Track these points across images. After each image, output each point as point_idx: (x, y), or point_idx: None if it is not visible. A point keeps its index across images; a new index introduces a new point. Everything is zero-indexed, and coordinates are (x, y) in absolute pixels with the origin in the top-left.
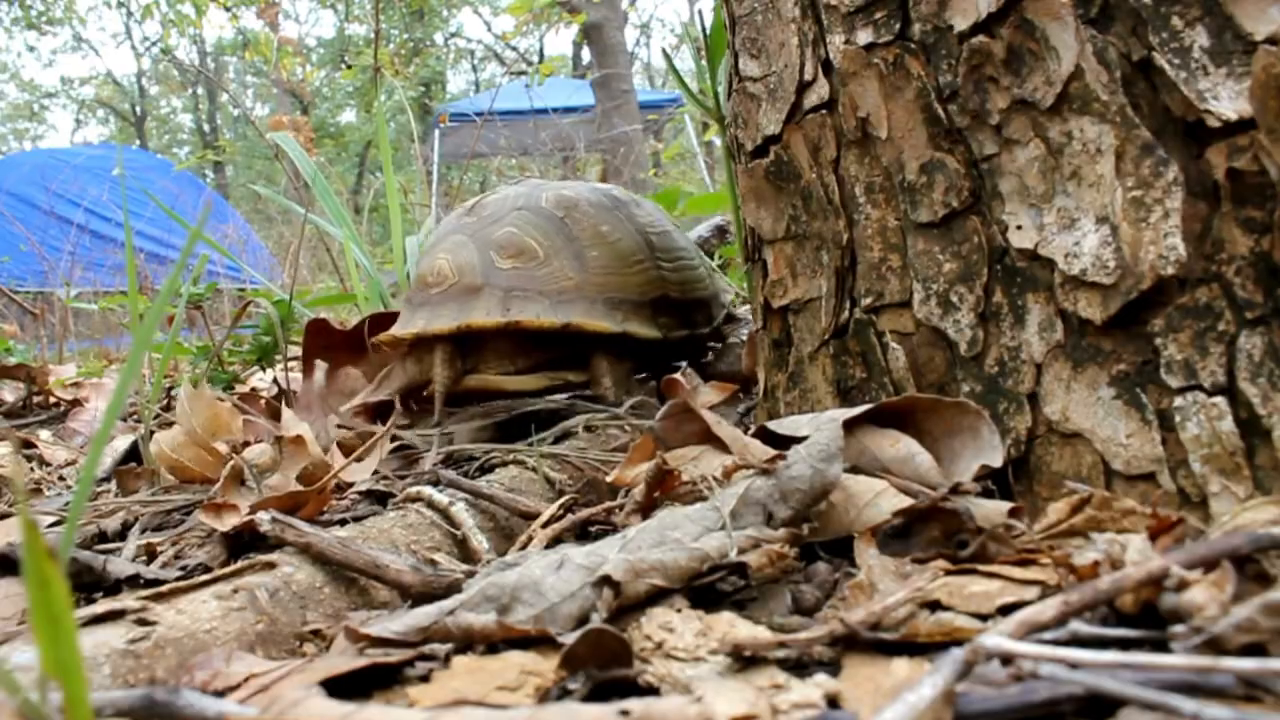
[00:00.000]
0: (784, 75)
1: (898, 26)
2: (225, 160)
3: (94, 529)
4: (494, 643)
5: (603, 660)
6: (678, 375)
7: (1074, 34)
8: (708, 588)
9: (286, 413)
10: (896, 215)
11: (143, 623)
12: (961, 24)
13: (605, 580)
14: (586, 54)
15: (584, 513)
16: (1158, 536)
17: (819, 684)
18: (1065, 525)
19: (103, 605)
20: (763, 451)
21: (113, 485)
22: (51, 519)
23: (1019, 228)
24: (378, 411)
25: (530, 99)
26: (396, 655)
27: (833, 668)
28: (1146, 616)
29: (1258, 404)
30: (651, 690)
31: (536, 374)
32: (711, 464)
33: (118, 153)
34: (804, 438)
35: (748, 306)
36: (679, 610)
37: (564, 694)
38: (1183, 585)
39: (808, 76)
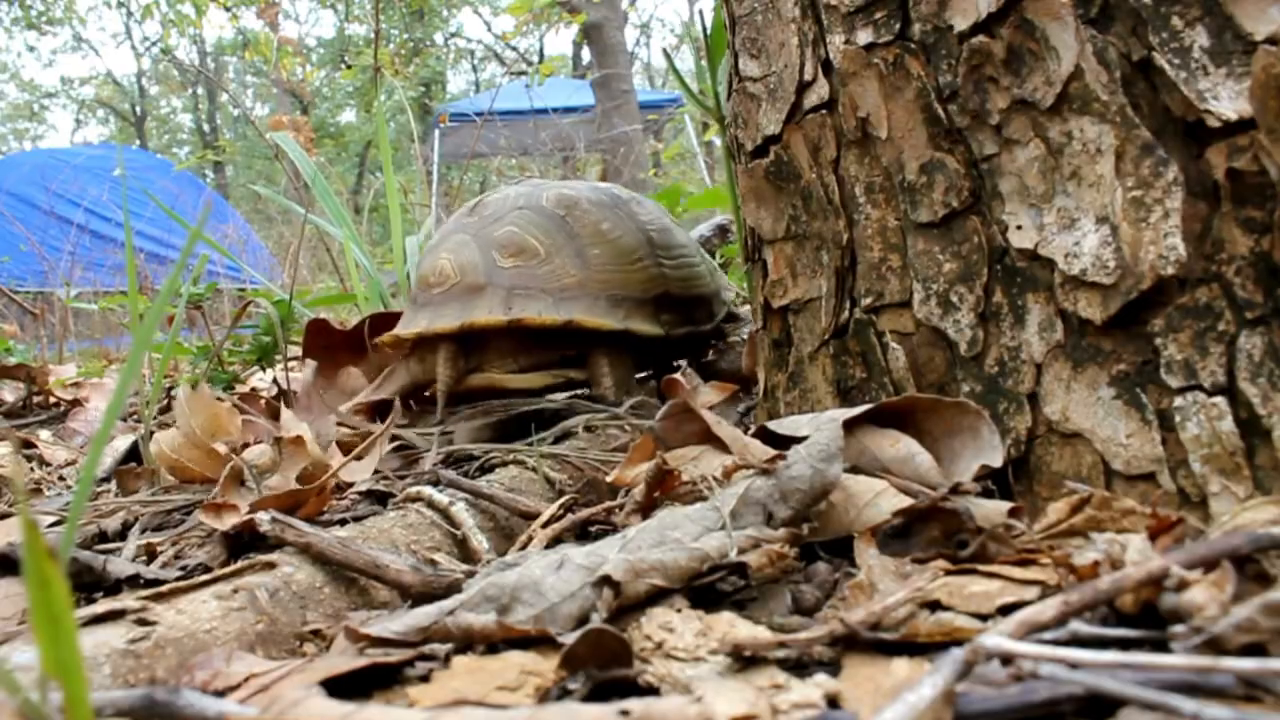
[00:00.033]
0: (784, 75)
1: (898, 26)
2: (225, 160)
3: (94, 529)
4: (494, 643)
5: (603, 660)
6: (678, 375)
7: (1074, 34)
8: (708, 588)
9: (286, 413)
10: (896, 215)
11: (143, 623)
12: (961, 24)
13: (605, 580)
14: (586, 54)
15: (584, 513)
16: (1158, 536)
17: (819, 684)
18: (1065, 525)
19: (103, 605)
20: (763, 451)
21: (113, 485)
22: (52, 519)
23: (1019, 228)
24: (378, 411)
25: (530, 99)
26: (396, 655)
27: (833, 668)
28: (1146, 616)
29: (1258, 404)
30: (651, 690)
31: (539, 372)
32: (711, 464)
33: (118, 153)
34: (804, 438)
35: (749, 306)
36: (679, 610)
37: (564, 694)
38: (1183, 585)
39: (808, 76)
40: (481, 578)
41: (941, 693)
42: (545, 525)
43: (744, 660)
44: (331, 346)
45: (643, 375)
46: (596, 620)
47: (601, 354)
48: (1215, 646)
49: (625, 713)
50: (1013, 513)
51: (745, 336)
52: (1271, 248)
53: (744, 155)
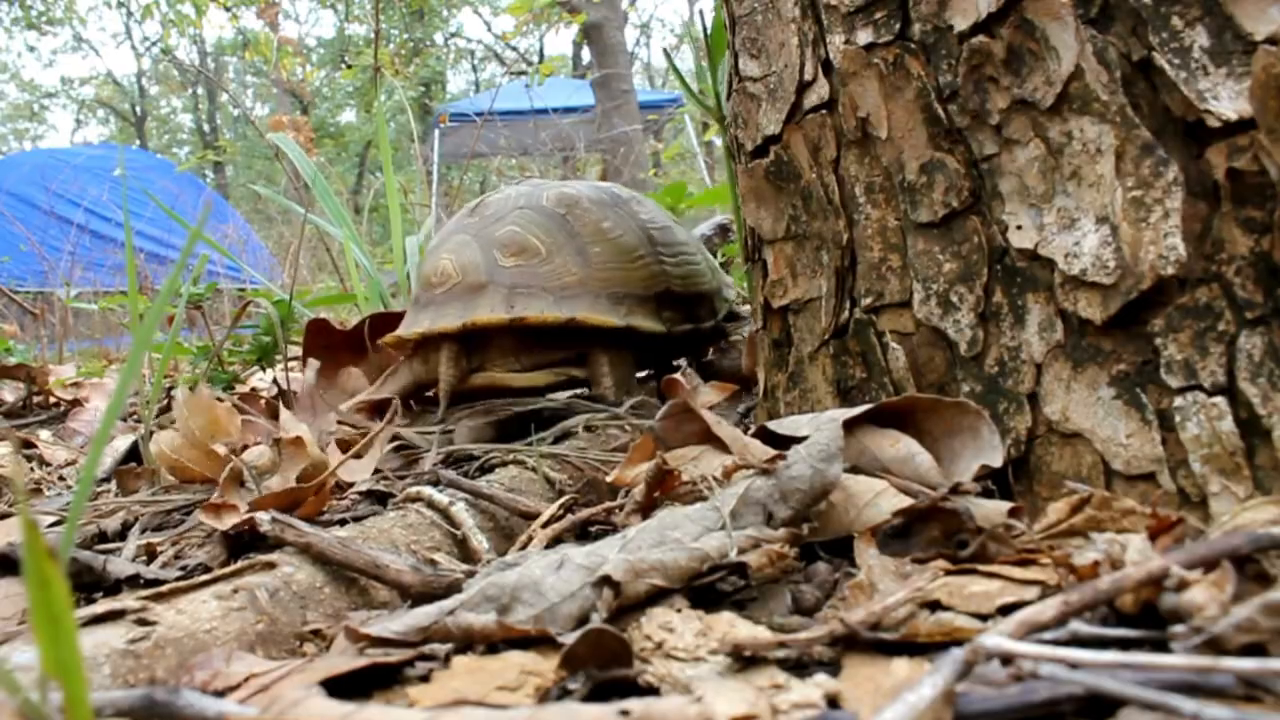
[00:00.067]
0: (784, 75)
1: (898, 26)
2: (225, 160)
3: (94, 529)
4: (494, 643)
5: (603, 660)
6: (678, 375)
7: (1074, 34)
8: (708, 588)
9: (284, 414)
10: (896, 215)
11: (143, 623)
12: (961, 24)
13: (605, 580)
14: (586, 54)
15: (584, 513)
16: (1158, 536)
17: (819, 684)
18: (1065, 525)
19: (103, 605)
20: (763, 451)
21: (113, 485)
22: (52, 519)
23: (1019, 228)
24: (380, 410)
25: (530, 99)
26: (396, 655)
27: (833, 668)
28: (1146, 616)
29: (1258, 404)
30: (651, 690)
31: (542, 371)
32: (711, 464)
33: (118, 153)
34: (804, 438)
35: (749, 305)
36: (679, 610)
37: (564, 694)
38: (1183, 585)
39: (808, 76)
40: (481, 578)
41: (941, 692)
42: (545, 525)
43: (744, 660)
44: (332, 346)
45: (643, 375)
46: (596, 620)
47: (602, 353)
48: (1215, 646)
49: (625, 713)
50: (1013, 513)
51: (746, 335)
52: (1271, 247)
53: (744, 155)
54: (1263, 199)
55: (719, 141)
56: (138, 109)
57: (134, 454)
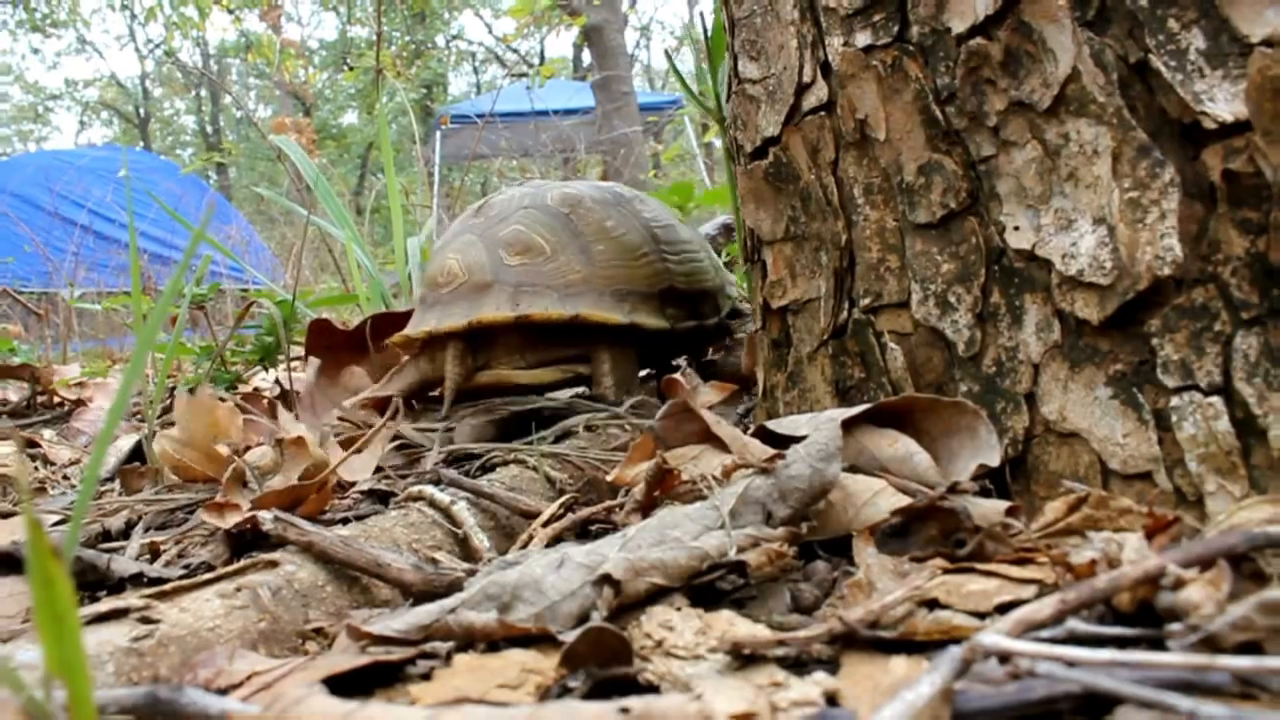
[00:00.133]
0: (783, 77)
1: (896, 29)
2: (228, 162)
3: (98, 528)
4: (495, 641)
5: (603, 658)
6: (678, 375)
7: (1071, 36)
8: (707, 586)
9: (284, 415)
10: (895, 216)
11: (146, 621)
12: (959, 26)
13: (605, 579)
14: (587, 56)
15: (584, 512)
16: (1154, 535)
17: (818, 682)
18: (1062, 524)
19: (106, 603)
20: (762, 451)
21: (117, 484)
22: (56, 518)
23: (1016, 228)
24: (383, 408)
25: (531, 101)
26: (398, 653)
27: (831, 666)
28: (1143, 615)
29: (1253, 404)
30: (651, 688)
31: (547, 368)
32: (711, 463)
33: (122, 154)
34: (803, 437)
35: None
36: (679, 609)
37: (564, 692)
38: (1179, 584)
39: (806, 78)
40: (483, 576)
41: (940, 690)
42: (546, 524)
43: (743, 658)
44: (334, 346)
45: (643, 375)
46: (597, 618)
47: (604, 352)
48: (1211, 644)
49: (625, 710)
50: (1010, 512)
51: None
52: (1267, 248)
53: (743, 157)
54: (1258, 200)
55: (719, 143)
56: (141, 111)
57: (138, 453)
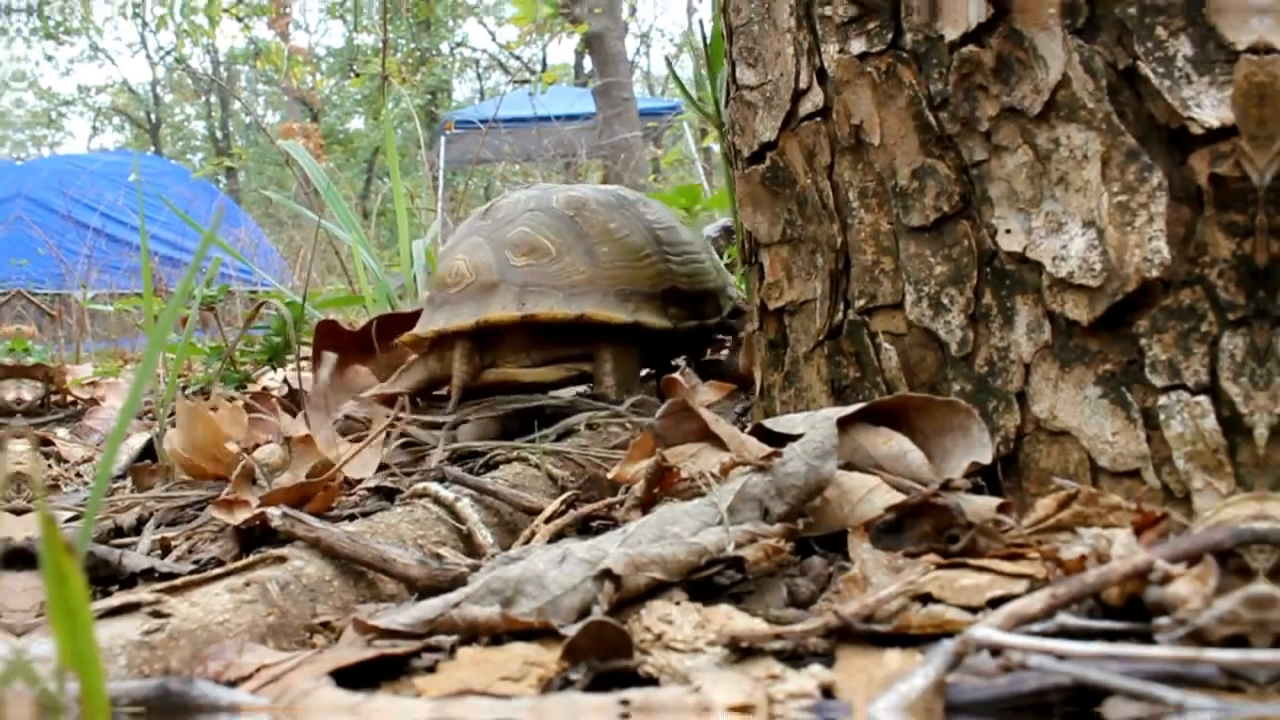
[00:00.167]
0: (780, 84)
1: (890, 36)
2: (237, 166)
3: (110, 524)
4: (498, 634)
5: (604, 651)
6: (677, 375)
7: (1061, 43)
8: (706, 581)
9: (285, 416)
10: (889, 219)
11: (157, 615)
12: (952, 34)
13: (606, 574)
14: (588, 63)
15: (586, 508)
16: (1143, 531)
17: (814, 674)
18: (1053, 520)
19: (118, 598)
20: (759, 449)
21: (128, 482)
22: (69, 514)
23: (1008, 231)
24: (391, 405)
25: (533, 106)
26: (403, 647)
27: (827, 659)
28: (1132, 609)
29: (1240, 403)
30: (651, 680)
31: (552, 366)
32: (709, 461)
33: (134, 159)
34: (799, 435)
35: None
36: (678, 603)
37: (566, 684)
38: (1167, 579)
39: (803, 85)
40: (486, 571)
41: (933, 683)
42: (548, 521)
43: (741, 651)
44: (340, 346)
45: (643, 374)
46: (598, 613)
47: (607, 350)
48: (1198, 638)
49: (626, 702)
50: (1002, 508)
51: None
52: (1253, 251)
53: (741, 161)
54: (1244, 204)
55: (717, 148)
56: (152, 116)
57: (149, 451)
